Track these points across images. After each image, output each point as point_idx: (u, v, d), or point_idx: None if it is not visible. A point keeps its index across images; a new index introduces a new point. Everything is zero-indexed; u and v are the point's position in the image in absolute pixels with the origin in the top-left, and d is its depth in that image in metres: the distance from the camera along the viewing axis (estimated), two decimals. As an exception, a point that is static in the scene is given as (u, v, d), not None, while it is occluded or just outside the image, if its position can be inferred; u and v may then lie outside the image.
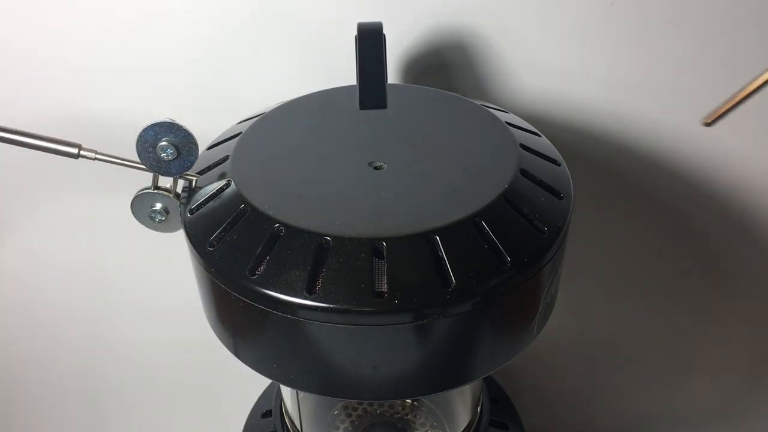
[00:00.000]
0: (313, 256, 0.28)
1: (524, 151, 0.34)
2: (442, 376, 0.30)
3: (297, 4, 0.44)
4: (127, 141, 0.32)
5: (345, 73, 0.45)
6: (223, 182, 0.32)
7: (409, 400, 0.49)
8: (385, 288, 0.27)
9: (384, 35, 0.36)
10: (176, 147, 0.32)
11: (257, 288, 0.28)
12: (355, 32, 0.35)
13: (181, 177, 0.33)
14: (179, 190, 0.34)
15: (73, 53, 0.45)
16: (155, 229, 0.35)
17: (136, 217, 0.35)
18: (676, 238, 0.55)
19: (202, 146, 0.34)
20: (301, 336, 0.28)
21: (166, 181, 0.34)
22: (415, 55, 0.46)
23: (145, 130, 0.31)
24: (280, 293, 0.27)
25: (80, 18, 0.44)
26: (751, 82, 0.33)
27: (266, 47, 0.46)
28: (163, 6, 0.44)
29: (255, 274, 0.28)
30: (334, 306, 0.27)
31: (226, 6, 0.44)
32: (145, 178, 0.34)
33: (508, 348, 0.31)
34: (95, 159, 0.33)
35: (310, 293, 0.27)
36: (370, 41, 0.32)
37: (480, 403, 0.45)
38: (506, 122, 0.36)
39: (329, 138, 0.36)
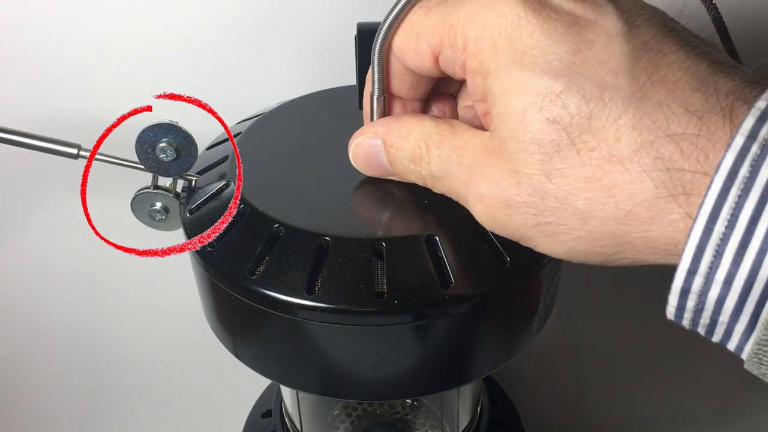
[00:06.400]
0: (312, 256, 0.28)
1: (524, 151, 0.34)
2: (442, 376, 0.30)
3: (297, 4, 0.44)
4: (126, 141, 0.32)
5: (345, 73, 0.44)
6: (222, 182, 0.32)
7: (409, 400, 0.49)
8: (384, 288, 0.27)
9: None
10: (175, 148, 0.32)
11: (257, 288, 0.28)
12: (355, 32, 0.35)
13: (180, 177, 0.33)
14: (179, 189, 0.34)
15: (73, 53, 0.45)
16: (156, 228, 0.35)
17: (136, 216, 0.35)
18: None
19: (202, 146, 0.34)
20: (301, 336, 0.28)
21: (166, 180, 0.34)
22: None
23: (144, 132, 0.31)
24: (280, 293, 0.27)
25: (80, 18, 0.44)
26: None
27: (266, 47, 0.46)
28: (163, 6, 0.44)
29: (254, 275, 0.28)
30: (334, 306, 0.27)
31: (226, 6, 0.44)
32: (144, 178, 0.34)
33: (507, 348, 0.31)
34: (95, 159, 0.33)
35: (309, 293, 0.27)
36: (370, 41, 0.32)
37: (480, 403, 0.45)
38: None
39: (329, 138, 0.36)
